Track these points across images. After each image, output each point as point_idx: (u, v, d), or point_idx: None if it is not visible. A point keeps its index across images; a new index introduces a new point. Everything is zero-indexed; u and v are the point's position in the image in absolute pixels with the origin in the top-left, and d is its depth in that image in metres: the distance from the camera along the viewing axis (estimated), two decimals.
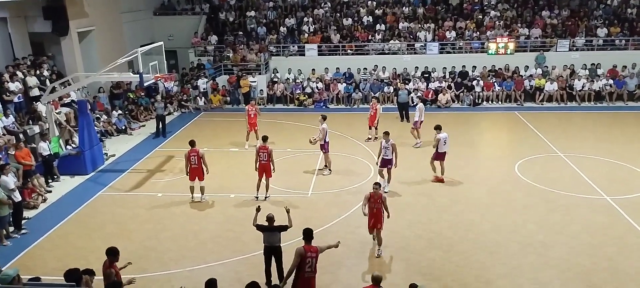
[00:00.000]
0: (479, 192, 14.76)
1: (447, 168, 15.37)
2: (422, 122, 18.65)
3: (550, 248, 11.59)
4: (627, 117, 22.25)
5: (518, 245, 11.76)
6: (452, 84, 25.13)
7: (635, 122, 21.27)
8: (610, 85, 24.32)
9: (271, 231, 9.96)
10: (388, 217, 11.21)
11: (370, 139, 19.30)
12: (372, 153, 17.39)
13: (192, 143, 14.16)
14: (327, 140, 16.14)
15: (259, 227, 10.03)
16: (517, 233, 12.30)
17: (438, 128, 15.43)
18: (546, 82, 24.68)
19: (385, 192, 13.88)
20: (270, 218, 9.98)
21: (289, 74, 26.59)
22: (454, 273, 10.73)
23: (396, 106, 22.85)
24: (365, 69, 26.04)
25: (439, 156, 15.37)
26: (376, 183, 11.22)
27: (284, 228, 9.99)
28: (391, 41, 27.03)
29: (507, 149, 19.09)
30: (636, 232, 12.26)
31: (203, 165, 14.04)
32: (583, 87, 24.44)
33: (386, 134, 14.51)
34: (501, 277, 10.56)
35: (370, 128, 19.50)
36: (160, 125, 20.79)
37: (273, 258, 10.12)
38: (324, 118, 16.43)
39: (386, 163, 14.49)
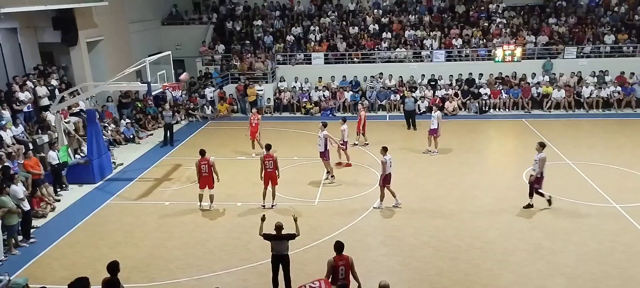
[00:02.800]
0: (486, 199, 14.69)
1: (454, 175, 15.21)
2: (436, 130, 18.46)
3: (559, 255, 11.51)
4: (635, 124, 22.09)
5: (526, 252, 11.69)
6: (459, 92, 25.10)
7: None
8: (618, 93, 24.19)
9: (279, 240, 9.94)
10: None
11: (357, 144, 19.59)
12: (379, 161, 17.36)
13: (202, 152, 14.23)
14: (327, 148, 16.19)
15: (266, 236, 10.01)
16: (525, 241, 12.23)
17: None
18: (553, 89, 24.60)
19: (375, 208, 13.99)
20: (278, 227, 9.95)
21: (296, 82, 26.68)
22: (462, 282, 10.67)
23: (403, 114, 22.91)
24: (372, 77, 26.08)
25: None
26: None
27: (292, 236, 9.97)
28: (397, 49, 27.07)
29: (514, 157, 18.99)
30: None
31: (214, 174, 14.11)
32: (591, 94, 24.35)
33: (384, 149, 13.91)
34: (510, 285, 10.51)
35: (363, 135, 19.95)
36: (168, 134, 20.90)
37: (281, 267, 10.10)
38: (325, 125, 16.54)
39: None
